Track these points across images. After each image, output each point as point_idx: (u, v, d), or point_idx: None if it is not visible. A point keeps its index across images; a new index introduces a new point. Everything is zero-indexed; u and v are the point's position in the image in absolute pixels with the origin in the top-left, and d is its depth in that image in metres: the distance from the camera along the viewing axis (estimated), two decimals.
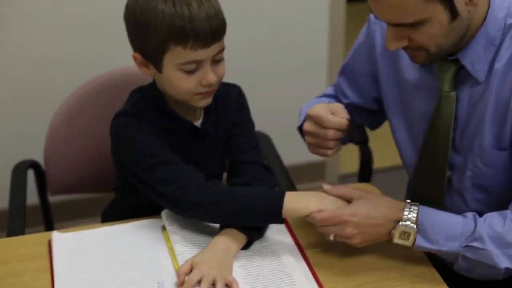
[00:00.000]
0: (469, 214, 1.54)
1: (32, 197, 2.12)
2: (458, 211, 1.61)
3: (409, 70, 1.68)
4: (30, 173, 2.12)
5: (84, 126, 2.09)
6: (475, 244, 1.49)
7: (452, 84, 1.57)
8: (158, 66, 1.58)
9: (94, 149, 2.07)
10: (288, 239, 1.64)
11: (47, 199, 2.18)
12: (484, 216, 1.53)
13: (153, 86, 1.68)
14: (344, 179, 3.46)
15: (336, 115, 1.60)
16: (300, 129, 1.75)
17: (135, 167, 1.62)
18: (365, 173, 1.49)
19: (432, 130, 1.63)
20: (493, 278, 1.66)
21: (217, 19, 1.55)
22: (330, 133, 1.59)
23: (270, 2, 3.00)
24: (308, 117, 1.63)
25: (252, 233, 1.60)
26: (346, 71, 1.88)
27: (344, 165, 3.50)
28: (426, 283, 1.54)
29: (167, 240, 1.62)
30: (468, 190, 1.64)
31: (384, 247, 1.58)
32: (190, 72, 1.56)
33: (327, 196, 1.57)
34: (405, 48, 1.52)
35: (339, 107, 1.62)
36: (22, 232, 1.87)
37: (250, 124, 1.82)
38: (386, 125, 1.84)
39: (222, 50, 1.59)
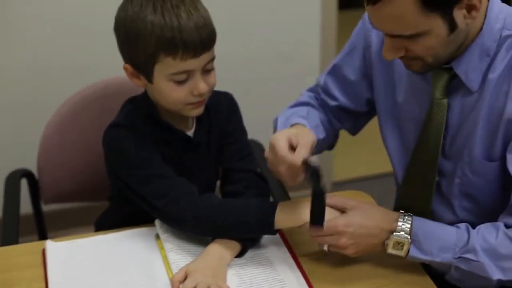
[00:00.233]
0: (462, 225, 1.55)
1: (25, 206, 2.12)
2: (445, 219, 1.62)
3: (403, 74, 1.68)
4: (24, 182, 2.12)
5: (77, 135, 2.09)
6: (468, 255, 1.50)
7: (444, 91, 1.57)
8: (149, 77, 1.58)
9: (88, 157, 2.07)
10: (282, 247, 1.64)
11: (41, 208, 2.18)
12: (477, 228, 1.53)
13: (145, 96, 1.68)
14: (337, 186, 3.46)
15: (299, 146, 1.52)
16: None
17: (128, 179, 1.62)
18: (317, 218, 1.48)
19: (423, 136, 1.63)
20: None
21: (206, 29, 1.54)
22: (282, 169, 1.53)
23: (262, 11, 3.01)
24: (269, 144, 1.57)
25: (246, 241, 1.60)
26: (336, 71, 1.84)
27: (338, 172, 3.50)
28: None
29: (161, 248, 1.62)
30: (456, 197, 1.65)
31: (378, 255, 1.59)
32: (180, 82, 1.57)
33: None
34: (401, 58, 1.52)
35: (303, 140, 1.54)
36: (16, 242, 1.87)
37: (243, 132, 1.82)
38: (375, 131, 1.84)
39: (212, 59, 1.59)
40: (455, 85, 1.57)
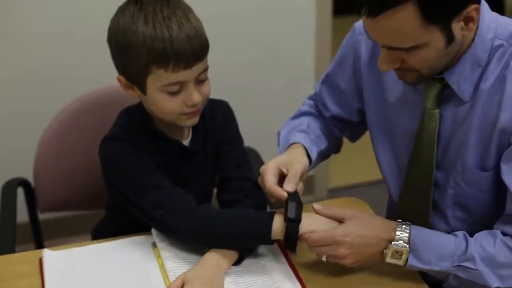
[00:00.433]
0: (460, 234, 1.55)
1: (21, 214, 2.11)
2: (438, 229, 1.63)
3: (393, 85, 1.68)
4: (20, 191, 2.12)
5: (73, 144, 2.09)
6: (466, 264, 1.50)
7: (435, 101, 1.57)
8: (142, 88, 1.58)
9: (84, 166, 2.07)
10: (279, 255, 1.64)
11: (37, 217, 2.18)
12: (474, 236, 1.54)
13: (140, 106, 1.68)
14: (333, 193, 3.47)
15: (287, 177, 1.58)
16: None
17: (125, 191, 1.62)
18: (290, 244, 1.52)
19: (416, 148, 1.63)
20: None
21: (198, 40, 1.54)
22: (269, 195, 1.59)
23: (257, 19, 3.01)
24: (260, 173, 1.62)
25: (243, 250, 1.60)
26: (329, 81, 1.85)
27: (333, 179, 3.50)
28: None
29: (158, 256, 1.62)
30: (449, 208, 1.65)
31: (376, 264, 1.59)
32: (174, 94, 1.56)
33: (318, 216, 1.57)
34: (395, 69, 1.52)
35: (293, 169, 1.59)
36: (12, 250, 1.87)
37: (239, 139, 1.82)
38: (369, 140, 1.84)
39: (205, 69, 1.59)
40: (446, 95, 1.57)
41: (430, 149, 1.61)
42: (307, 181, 3.38)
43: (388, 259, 1.54)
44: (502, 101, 1.49)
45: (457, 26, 1.42)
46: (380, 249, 1.54)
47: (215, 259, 1.55)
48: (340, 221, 1.56)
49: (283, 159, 1.63)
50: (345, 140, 1.96)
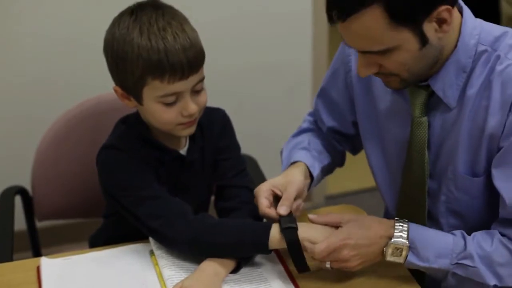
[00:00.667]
0: (457, 232, 1.55)
1: (19, 222, 2.12)
2: None
3: (383, 95, 1.68)
4: (17, 199, 2.12)
5: (71, 152, 2.09)
6: (465, 261, 1.51)
7: (423, 109, 1.58)
8: (139, 99, 1.59)
9: (82, 174, 2.07)
10: (277, 263, 1.64)
11: (35, 225, 2.18)
12: (472, 235, 1.54)
13: (137, 116, 1.68)
14: (330, 200, 3.47)
15: (281, 200, 1.59)
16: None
17: (122, 200, 1.63)
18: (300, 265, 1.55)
19: (407, 157, 1.64)
20: None
21: (193, 50, 1.54)
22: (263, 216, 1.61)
23: (254, 26, 3.01)
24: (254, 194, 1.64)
25: (241, 258, 1.60)
26: (323, 94, 1.86)
27: (331, 186, 3.50)
28: None
29: (156, 264, 1.62)
30: (443, 215, 1.66)
31: (372, 271, 1.59)
32: (170, 104, 1.56)
33: (313, 225, 1.57)
34: (377, 74, 1.52)
35: (288, 191, 1.61)
36: (10, 259, 1.87)
37: (236, 147, 1.82)
38: None
39: (201, 80, 1.58)
40: (433, 102, 1.57)
41: (421, 157, 1.61)
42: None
43: (389, 257, 1.53)
44: (489, 106, 1.50)
45: (429, 28, 1.42)
46: (381, 247, 1.53)
47: (212, 267, 1.55)
48: (336, 226, 1.56)
49: (278, 181, 1.65)
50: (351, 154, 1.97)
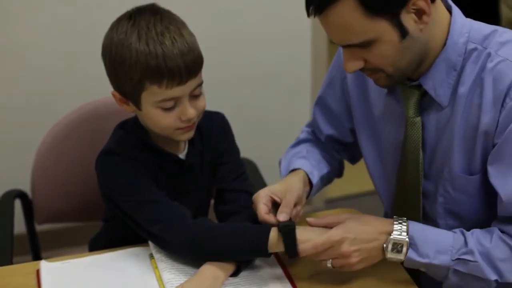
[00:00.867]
0: (457, 230, 1.55)
1: (19, 226, 2.12)
2: None
3: (378, 98, 1.69)
4: (17, 203, 2.12)
5: (70, 155, 2.09)
6: (466, 257, 1.50)
7: (416, 109, 1.59)
8: (137, 104, 1.59)
9: (81, 177, 2.07)
10: (276, 267, 1.64)
11: (34, 228, 2.18)
12: (471, 231, 1.54)
13: (136, 120, 1.68)
14: (330, 203, 3.46)
15: (280, 207, 1.60)
16: None
17: (122, 205, 1.63)
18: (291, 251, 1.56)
19: (402, 158, 1.65)
20: None
21: (191, 55, 1.53)
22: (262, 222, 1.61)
23: (253, 29, 3.02)
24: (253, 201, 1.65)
25: (241, 261, 1.60)
26: (320, 103, 1.87)
27: (331, 189, 3.49)
28: None
29: (155, 267, 1.62)
30: (441, 216, 1.66)
31: (371, 275, 1.59)
32: (168, 109, 1.56)
33: (312, 227, 1.57)
34: (363, 71, 1.53)
35: (287, 198, 1.62)
36: (10, 262, 1.87)
37: (235, 151, 1.82)
38: None
39: (199, 84, 1.58)
40: (426, 102, 1.58)
41: (415, 157, 1.62)
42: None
43: (389, 254, 1.53)
44: (482, 104, 1.51)
45: (408, 19, 1.43)
46: (381, 243, 1.53)
47: (212, 270, 1.55)
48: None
49: (277, 188, 1.65)
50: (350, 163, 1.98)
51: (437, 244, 1.52)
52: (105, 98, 2.09)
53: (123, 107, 1.63)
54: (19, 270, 1.67)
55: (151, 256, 1.65)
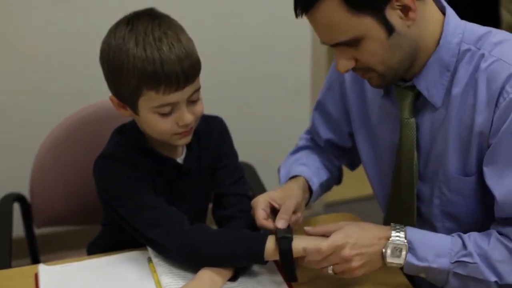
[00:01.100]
0: (454, 233, 1.55)
1: (18, 229, 2.12)
2: None
3: (374, 101, 1.70)
4: (16, 206, 2.12)
5: (70, 159, 2.09)
6: (465, 259, 1.50)
7: (411, 110, 1.59)
8: (134, 109, 1.59)
9: (80, 181, 2.07)
10: (274, 272, 1.64)
11: (33, 232, 2.18)
12: (468, 234, 1.54)
13: (133, 125, 1.68)
14: (329, 207, 3.46)
15: (279, 213, 1.59)
16: None
17: (119, 210, 1.63)
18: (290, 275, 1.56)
19: (397, 159, 1.65)
20: None
21: (189, 61, 1.53)
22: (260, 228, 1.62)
23: (253, 32, 3.02)
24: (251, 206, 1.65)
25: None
26: (320, 107, 1.88)
27: (330, 193, 3.48)
28: None
29: (154, 272, 1.62)
30: (438, 219, 1.66)
31: (371, 283, 1.59)
32: (165, 115, 1.56)
33: (310, 236, 1.56)
34: (355, 71, 1.54)
35: (286, 204, 1.62)
36: (8, 265, 1.87)
37: (234, 155, 1.82)
38: None
39: (197, 90, 1.58)
40: (421, 103, 1.59)
41: (410, 158, 1.62)
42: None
43: (388, 259, 1.52)
44: (476, 104, 1.51)
45: (393, 16, 1.44)
46: (380, 249, 1.52)
47: (210, 275, 1.55)
48: None
49: (276, 194, 1.65)
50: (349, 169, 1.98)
51: (435, 248, 1.52)
52: (105, 101, 2.07)
53: (121, 112, 1.63)
54: (18, 274, 1.67)
55: (150, 260, 1.65)
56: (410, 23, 1.46)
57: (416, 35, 1.49)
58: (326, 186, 1.87)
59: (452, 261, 1.51)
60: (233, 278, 1.59)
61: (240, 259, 1.57)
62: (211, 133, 1.77)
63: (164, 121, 1.57)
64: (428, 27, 1.51)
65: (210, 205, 1.84)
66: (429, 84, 1.55)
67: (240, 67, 3.05)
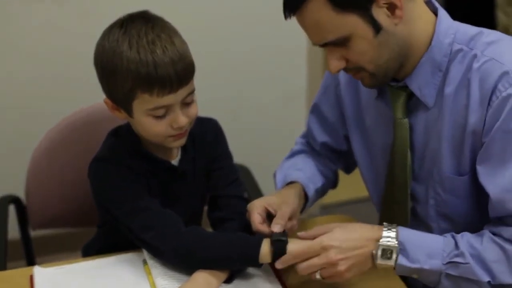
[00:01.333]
0: (447, 234, 1.55)
1: (13, 231, 2.11)
2: None
3: (369, 102, 1.71)
4: (11, 208, 2.12)
5: (65, 160, 2.09)
6: (457, 259, 1.49)
7: (404, 111, 1.60)
8: (129, 111, 1.58)
9: (75, 183, 2.07)
10: (270, 274, 1.63)
11: (29, 234, 2.18)
12: (461, 234, 1.54)
13: (128, 127, 1.68)
14: (326, 209, 3.46)
15: (275, 219, 1.60)
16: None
17: (114, 212, 1.63)
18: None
19: (391, 160, 1.65)
20: None
21: (182, 63, 1.53)
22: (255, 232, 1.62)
23: (249, 35, 3.02)
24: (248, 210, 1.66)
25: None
26: (315, 110, 1.88)
27: (326, 195, 3.48)
28: None
29: (149, 274, 1.62)
30: (433, 220, 1.66)
31: (366, 284, 1.59)
32: (160, 117, 1.56)
33: (303, 240, 1.55)
34: (347, 71, 1.55)
35: (282, 211, 1.63)
36: (4, 267, 1.87)
37: (228, 157, 1.82)
38: None
39: (191, 92, 1.58)
40: (414, 103, 1.59)
41: (403, 158, 1.62)
42: None
43: (379, 261, 1.51)
44: (469, 104, 1.51)
45: (380, 14, 1.45)
46: (369, 250, 1.51)
47: (205, 277, 1.55)
48: None
49: (272, 200, 1.66)
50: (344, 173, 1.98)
51: (427, 249, 1.52)
52: (100, 103, 2.06)
53: (115, 114, 1.63)
54: (13, 276, 1.67)
55: (145, 262, 1.65)
56: (397, 21, 1.47)
57: (404, 33, 1.50)
58: (321, 192, 1.88)
59: (444, 262, 1.50)
60: (228, 280, 1.59)
61: (235, 262, 1.57)
62: (206, 135, 1.77)
63: (159, 123, 1.57)
64: (418, 27, 1.52)
65: (205, 208, 1.84)
66: (421, 84, 1.55)
67: (235, 69, 3.05)
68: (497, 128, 1.48)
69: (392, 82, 1.59)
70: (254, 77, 3.10)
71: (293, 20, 1.51)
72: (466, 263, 1.49)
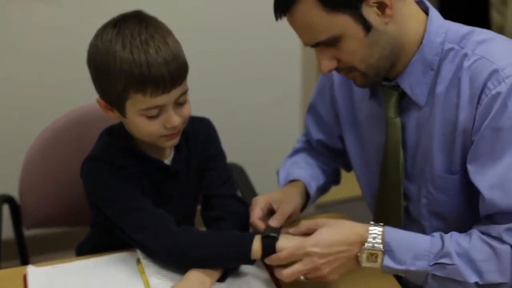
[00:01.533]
0: (436, 234, 1.54)
1: (7, 231, 2.11)
2: None
3: (362, 102, 1.71)
4: (5, 208, 2.12)
5: (59, 160, 2.09)
6: (443, 260, 1.49)
7: (396, 110, 1.60)
8: (122, 111, 1.58)
9: (69, 183, 2.07)
10: (263, 272, 1.64)
11: (23, 233, 2.18)
12: (450, 233, 1.53)
13: (121, 127, 1.68)
14: (321, 208, 3.46)
15: (275, 215, 1.62)
16: None
17: (107, 212, 1.63)
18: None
19: (384, 159, 1.66)
20: None
21: (176, 64, 1.53)
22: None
23: (243, 35, 3.02)
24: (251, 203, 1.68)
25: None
26: (312, 110, 1.89)
27: None
28: None
29: (142, 273, 1.62)
30: (426, 218, 1.66)
31: (359, 281, 1.59)
32: (153, 117, 1.56)
33: (291, 236, 1.56)
34: (339, 71, 1.56)
35: (283, 209, 1.65)
36: None
37: (222, 156, 1.82)
38: None
39: (184, 92, 1.57)
40: (405, 103, 1.60)
41: (396, 158, 1.63)
42: None
43: (364, 263, 1.51)
44: (459, 103, 1.52)
45: (370, 13, 1.45)
46: (354, 253, 1.51)
47: (198, 276, 1.55)
48: None
49: (276, 196, 1.68)
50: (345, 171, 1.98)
51: (414, 250, 1.50)
52: (94, 103, 2.06)
53: (108, 114, 1.63)
54: (6, 275, 1.67)
55: (138, 261, 1.65)
56: (387, 20, 1.47)
57: (395, 32, 1.50)
58: (323, 189, 1.88)
59: (431, 264, 1.50)
60: (221, 279, 1.59)
61: (228, 260, 1.57)
62: (199, 135, 1.77)
63: (152, 123, 1.57)
64: (409, 26, 1.52)
65: (199, 207, 1.84)
66: (413, 83, 1.56)
67: (230, 69, 3.05)
68: (486, 126, 1.48)
69: (384, 81, 1.59)
70: (248, 77, 3.10)
71: (287, 21, 1.51)
72: (453, 264, 1.48)
